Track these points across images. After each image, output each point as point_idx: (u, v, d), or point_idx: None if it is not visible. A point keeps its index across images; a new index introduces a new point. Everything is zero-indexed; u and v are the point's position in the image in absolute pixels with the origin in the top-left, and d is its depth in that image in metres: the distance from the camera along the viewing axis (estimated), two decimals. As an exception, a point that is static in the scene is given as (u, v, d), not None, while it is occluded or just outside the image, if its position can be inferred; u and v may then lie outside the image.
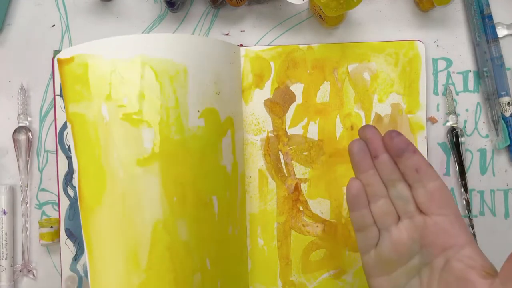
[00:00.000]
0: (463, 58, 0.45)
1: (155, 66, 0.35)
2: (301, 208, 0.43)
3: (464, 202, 0.43)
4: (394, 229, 0.32)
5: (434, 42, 0.44)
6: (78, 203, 0.33)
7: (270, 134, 0.44)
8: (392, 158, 0.32)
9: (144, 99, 0.35)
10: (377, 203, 0.33)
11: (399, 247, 0.32)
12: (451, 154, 0.44)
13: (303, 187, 0.43)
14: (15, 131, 0.43)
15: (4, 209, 0.43)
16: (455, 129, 0.43)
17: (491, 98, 0.43)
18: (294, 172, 0.44)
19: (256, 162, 0.44)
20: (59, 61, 0.36)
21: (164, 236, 0.34)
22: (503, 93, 0.43)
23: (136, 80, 0.35)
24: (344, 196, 0.43)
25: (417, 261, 0.32)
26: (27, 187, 0.44)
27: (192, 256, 0.35)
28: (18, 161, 0.43)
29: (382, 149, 0.32)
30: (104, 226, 0.32)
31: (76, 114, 0.35)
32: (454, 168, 0.44)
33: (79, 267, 0.43)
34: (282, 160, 0.44)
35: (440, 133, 0.44)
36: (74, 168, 0.35)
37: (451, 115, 0.44)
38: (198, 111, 0.37)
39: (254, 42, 0.45)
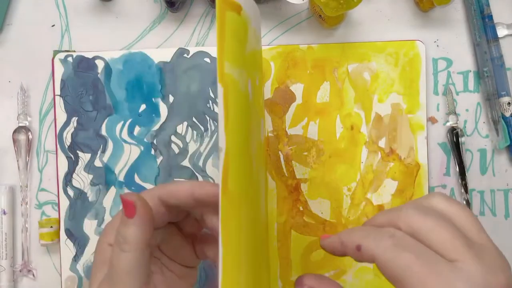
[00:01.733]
0: (463, 58, 0.45)
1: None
2: (301, 208, 0.43)
3: (464, 202, 0.43)
4: None
5: (434, 42, 0.44)
6: (219, 190, 0.24)
7: (270, 134, 0.44)
8: None
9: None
10: None
11: None
12: (451, 154, 0.44)
13: (303, 187, 0.43)
14: (14, 131, 0.43)
15: (4, 209, 0.43)
16: (455, 129, 0.43)
17: (491, 98, 0.43)
18: (294, 172, 0.44)
19: (256, 162, 0.43)
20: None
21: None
22: (503, 93, 0.43)
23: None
24: (344, 196, 0.43)
25: None
26: (26, 187, 0.44)
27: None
28: (17, 161, 0.43)
29: None
30: (246, 218, 0.27)
31: (231, 78, 0.26)
32: (454, 168, 0.44)
33: (79, 267, 0.43)
34: (282, 160, 0.44)
35: (440, 133, 0.44)
36: (220, 146, 0.24)
37: (451, 115, 0.44)
38: None
39: (254, 42, 0.45)
